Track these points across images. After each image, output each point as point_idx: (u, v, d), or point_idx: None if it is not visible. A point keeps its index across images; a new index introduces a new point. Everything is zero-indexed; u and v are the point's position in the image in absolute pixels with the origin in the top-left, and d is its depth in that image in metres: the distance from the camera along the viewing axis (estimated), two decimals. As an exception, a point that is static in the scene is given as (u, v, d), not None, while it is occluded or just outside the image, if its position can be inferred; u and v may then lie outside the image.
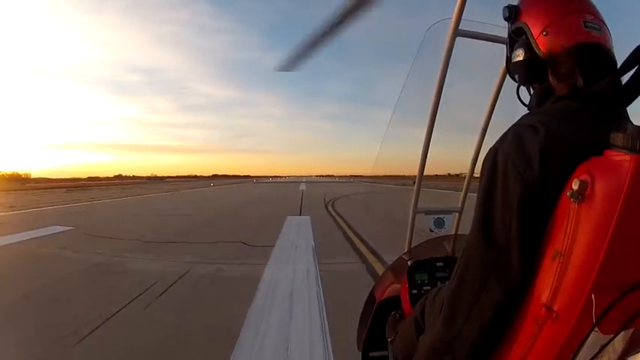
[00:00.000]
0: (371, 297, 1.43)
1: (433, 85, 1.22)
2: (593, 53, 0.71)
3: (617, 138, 0.56)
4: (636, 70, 0.69)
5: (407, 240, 1.47)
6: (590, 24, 0.71)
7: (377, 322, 1.31)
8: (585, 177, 0.57)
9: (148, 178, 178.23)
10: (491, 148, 0.72)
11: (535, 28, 0.76)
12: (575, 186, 0.57)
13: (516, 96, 0.88)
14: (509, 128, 0.71)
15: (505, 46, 0.88)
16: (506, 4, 0.83)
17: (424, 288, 1.25)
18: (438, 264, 1.31)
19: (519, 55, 0.80)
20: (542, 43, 0.75)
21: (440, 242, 1.48)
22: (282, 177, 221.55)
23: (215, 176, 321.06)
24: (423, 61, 1.32)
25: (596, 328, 0.55)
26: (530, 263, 0.64)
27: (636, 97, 0.72)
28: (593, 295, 0.55)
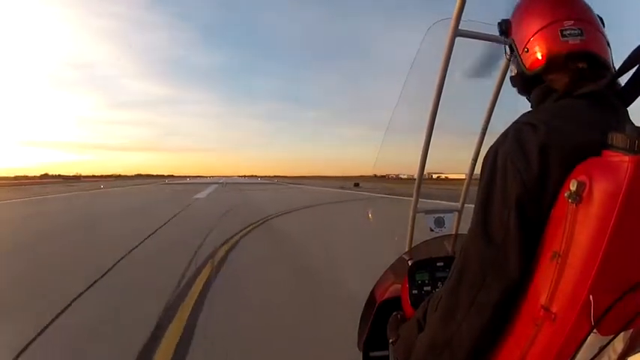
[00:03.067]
0: (371, 297, 1.43)
1: (433, 85, 1.21)
2: (574, 60, 0.71)
3: (616, 138, 0.56)
4: (636, 71, 0.68)
5: (407, 240, 1.47)
6: (568, 31, 0.71)
7: (378, 323, 1.31)
8: (583, 178, 0.56)
9: (66, 177, 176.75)
10: (491, 146, 0.72)
11: (519, 45, 0.79)
12: (572, 187, 0.56)
13: (517, 96, 0.88)
14: (510, 126, 0.71)
15: (505, 46, 0.89)
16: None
17: (425, 288, 1.24)
18: (438, 264, 1.30)
19: (513, 71, 0.84)
20: (525, 60, 0.77)
21: (440, 242, 1.48)
22: (205, 177, 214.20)
23: (139, 176, 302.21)
24: (423, 61, 1.32)
25: (595, 330, 0.55)
26: (528, 262, 0.64)
27: (636, 97, 0.72)
28: (591, 297, 0.54)
